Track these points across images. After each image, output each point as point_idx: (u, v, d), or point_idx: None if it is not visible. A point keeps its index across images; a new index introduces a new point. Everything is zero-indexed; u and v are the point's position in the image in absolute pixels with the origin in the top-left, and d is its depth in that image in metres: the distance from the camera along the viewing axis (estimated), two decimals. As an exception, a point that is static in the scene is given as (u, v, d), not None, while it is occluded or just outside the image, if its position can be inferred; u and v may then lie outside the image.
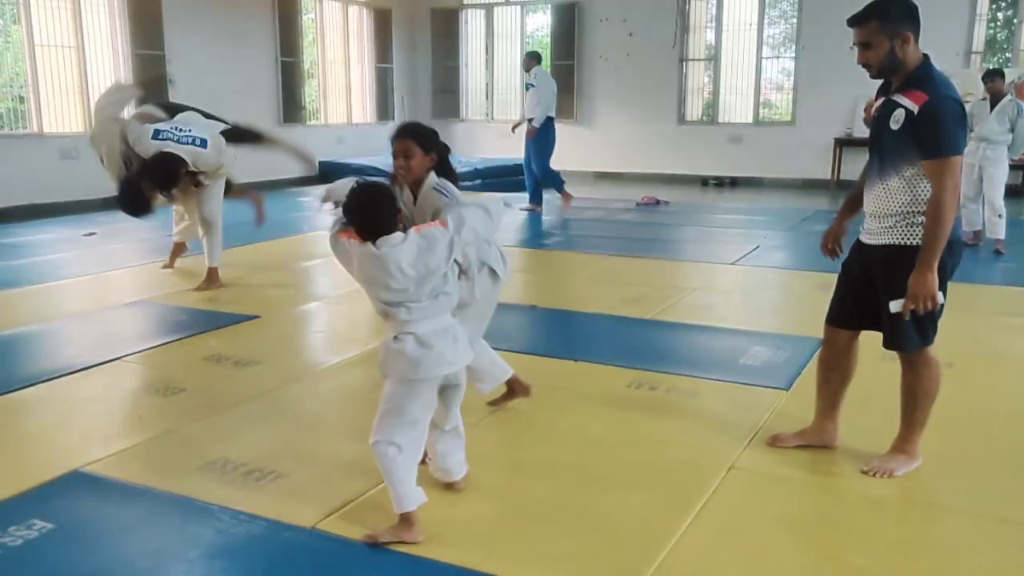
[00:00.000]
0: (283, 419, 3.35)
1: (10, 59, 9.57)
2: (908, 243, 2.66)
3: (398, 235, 2.29)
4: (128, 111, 5.84)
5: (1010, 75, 9.20)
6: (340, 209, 2.40)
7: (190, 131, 5.29)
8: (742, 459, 2.94)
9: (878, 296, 2.76)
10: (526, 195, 9.55)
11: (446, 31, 14.12)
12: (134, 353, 4.18)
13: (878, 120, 2.75)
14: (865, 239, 2.82)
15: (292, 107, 12.03)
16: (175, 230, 6.11)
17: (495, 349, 4.22)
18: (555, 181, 9.43)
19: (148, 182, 5.16)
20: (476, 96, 14.43)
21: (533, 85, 9.32)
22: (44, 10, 9.05)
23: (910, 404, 2.82)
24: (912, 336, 2.72)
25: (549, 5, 13.49)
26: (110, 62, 9.73)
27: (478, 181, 11.20)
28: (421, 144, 2.63)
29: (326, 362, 4.09)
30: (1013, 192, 8.08)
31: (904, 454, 2.85)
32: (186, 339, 4.41)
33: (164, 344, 4.33)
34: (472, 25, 14.15)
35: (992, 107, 6.85)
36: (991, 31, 11.69)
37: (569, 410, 3.43)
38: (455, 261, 2.40)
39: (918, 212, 2.65)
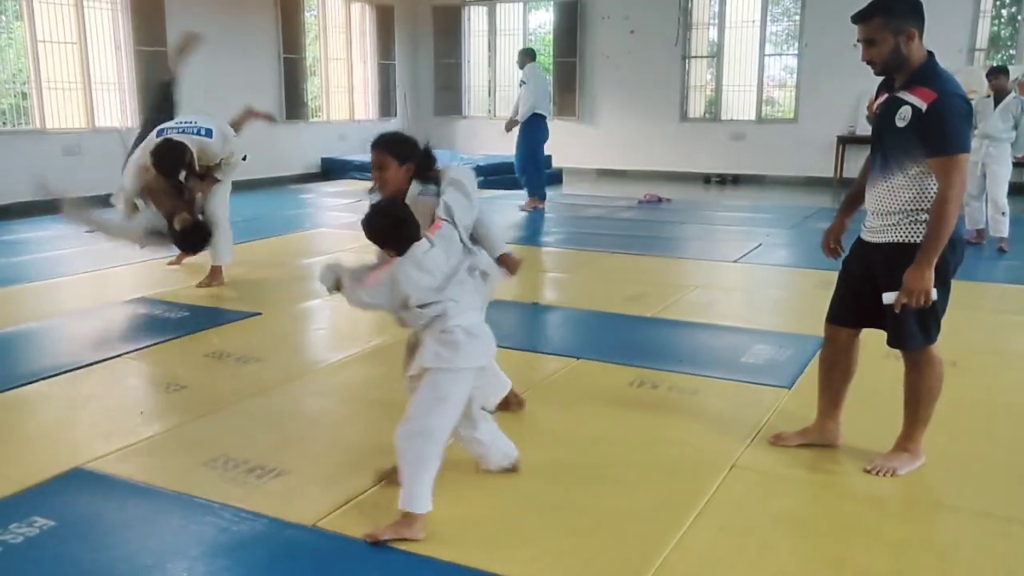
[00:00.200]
0: (284, 416, 3.35)
1: (12, 55, 9.57)
2: (912, 241, 2.65)
3: (423, 242, 2.40)
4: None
5: (1014, 72, 9.15)
6: (345, 268, 2.47)
7: (194, 122, 5.32)
8: (744, 457, 2.94)
9: (880, 294, 2.75)
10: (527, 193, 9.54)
11: (448, 28, 14.10)
12: (136, 350, 4.18)
13: (881, 117, 2.73)
14: (867, 237, 2.81)
15: (294, 103, 12.03)
16: None
17: (499, 346, 4.22)
18: (531, 182, 9.32)
19: (156, 169, 5.13)
20: (478, 93, 14.41)
21: (525, 82, 9.32)
22: (46, 6, 9.04)
23: (913, 402, 2.81)
24: (915, 334, 2.71)
25: (551, 2, 13.47)
26: (112, 58, 9.73)
27: (481, 178, 11.12)
28: (395, 155, 2.57)
29: (327, 360, 4.09)
30: (1017, 190, 8.05)
31: (907, 452, 2.84)
32: (188, 336, 4.41)
33: (166, 341, 4.33)
34: (474, 22, 14.14)
35: (996, 104, 6.83)
36: (995, 28, 11.66)
37: (570, 408, 3.43)
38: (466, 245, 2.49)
39: (922, 210, 2.64)
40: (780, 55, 12.94)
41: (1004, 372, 3.92)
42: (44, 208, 8.81)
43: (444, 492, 2.64)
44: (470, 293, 2.53)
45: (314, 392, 3.69)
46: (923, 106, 2.56)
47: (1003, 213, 6.86)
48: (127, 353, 4.13)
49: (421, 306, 2.43)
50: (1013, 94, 6.90)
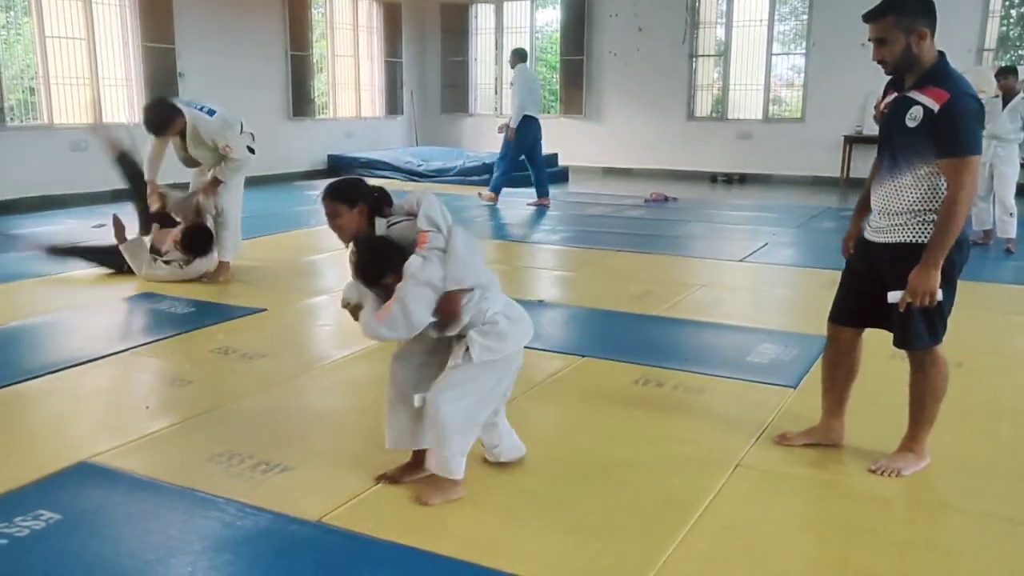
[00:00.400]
0: (290, 412, 3.35)
1: (21, 51, 9.60)
2: (919, 241, 2.63)
3: (415, 259, 2.43)
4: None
5: (1023, 72, 9.12)
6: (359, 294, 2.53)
7: (203, 104, 5.46)
8: (749, 457, 2.93)
9: (885, 294, 2.74)
10: (533, 190, 9.55)
11: (456, 25, 14.10)
12: (142, 345, 4.19)
13: (890, 116, 2.72)
14: (872, 237, 2.80)
15: (301, 101, 12.04)
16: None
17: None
18: (497, 180, 9.44)
19: (145, 122, 5.40)
20: (485, 91, 14.41)
21: (512, 84, 9.38)
22: (54, 2, 9.08)
23: (918, 403, 2.81)
24: (922, 334, 2.70)
25: (559, 0, 13.45)
26: (120, 55, 9.75)
27: (487, 176, 11.18)
28: (344, 201, 2.56)
29: (333, 356, 4.09)
30: (1024, 191, 8.03)
31: (912, 453, 2.83)
32: (194, 331, 4.42)
33: (172, 336, 4.34)
34: (482, 19, 14.14)
35: (1005, 105, 6.80)
36: (1004, 28, 11.61)
37: (575, 406, 3.43)
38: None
39: (929, 210, 2.62)
40: (787, 54, 12.91)
41: (1010, 373, 3.91)
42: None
43: (448, 489, 2.65)
44: (496, 281, 2.61)
45: (319, 388, 3.69)
46: (935, 107, 2.54)
47: (1011, 214, 6.84)
48: (133, 348, 4.14)
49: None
50: (1022, 95, 6.87)
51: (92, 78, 9.47)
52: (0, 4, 9.20)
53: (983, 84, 7.14)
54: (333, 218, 2.57)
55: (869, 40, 2.67)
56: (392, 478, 2.69)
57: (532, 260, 6.51)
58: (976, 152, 2.55)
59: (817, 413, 3.06)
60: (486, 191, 9.58)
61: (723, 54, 12.75)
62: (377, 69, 13.50)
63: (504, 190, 9.68)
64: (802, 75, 12.25)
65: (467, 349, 2.50)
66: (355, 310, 2.54)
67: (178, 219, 5.64)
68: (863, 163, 11.38)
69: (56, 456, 2.88)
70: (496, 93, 14.36)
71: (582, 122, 13.46)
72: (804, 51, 12.17)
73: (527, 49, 13.78)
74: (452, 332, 2.53)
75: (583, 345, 4.26)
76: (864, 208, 2.90)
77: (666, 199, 9.90)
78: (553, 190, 11.10)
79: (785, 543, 2.40)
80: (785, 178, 12.25)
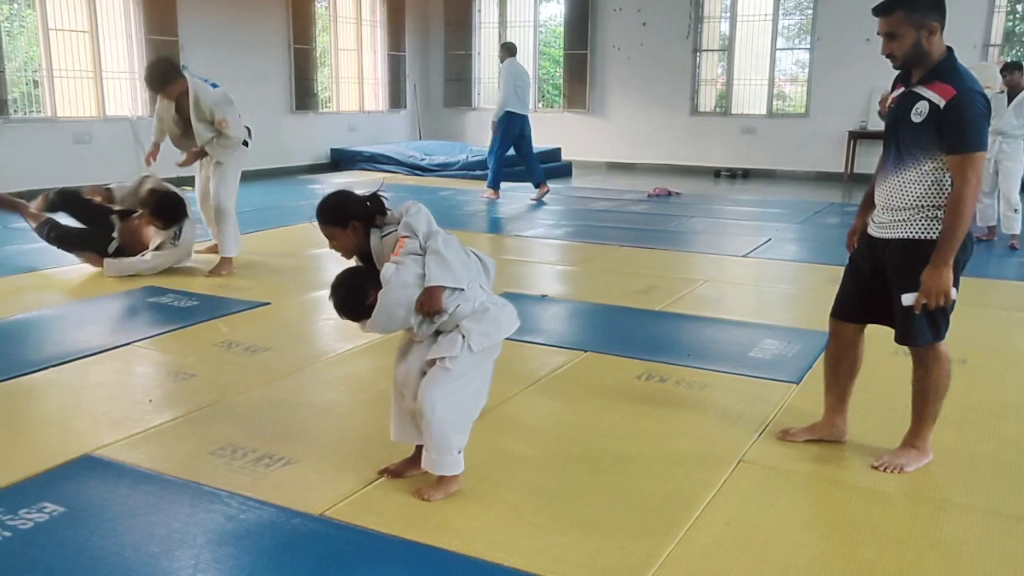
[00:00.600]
0: (293, 406, 3.36)
1: (24, 43, 9.60)
2: (924, 237, 2.63)
3: (388, 266, 2.47)
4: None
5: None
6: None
7: (207, 79, 5.53)
8: (751, 452, 2.93)
9: (889, 291, 2.74)
10: (530, 184, 9.59)
11: (459, 19, 14.07)
12: (145, 338, 4.20)
13: (896, 111, 2.71)
14: (875, 232, 2.79)
15: (304, 94, 12.03)
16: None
17: (507, 339, 4.22)
18: (492, 176, 9.52)
19: (146, 80, 5.51)
20: (488, 85, 14.37)
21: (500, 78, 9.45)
22: (58, -6, 9.07)
23: (921, 399, 2.80)
24: (924, 331, 2.70)
25: (563, -6, 13.43)
26: (124, 47, 9.75)
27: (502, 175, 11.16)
28: (336, 223, 2.57)
29: (336, 350, 4.09)
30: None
31: (915, 449, 2.83)
32: (197, 325, 4.43)
33: (175, 330, 4.35)
34: (485, 13, 14.11)
35: (1010, 101, 6.78)
36: (1009, 23, 11.56)
37: (578, 401, 3.43)
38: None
39: (933, 206, 2.62)
40: (792, 49, 12.88)
41: (1013, 370, 3.90)
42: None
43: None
44: (478, 274, 2.61)
45: (322, 382, 3.70)
46: (941, 102, 2.53)
47: (1015, 210, 6.82)
48: (137, 341, 4.15)
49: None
50: (1027, 90, 6.85)
51: (95, 71, 9.47)
52: (4, -4, 9.20)
53: (988, 80, 7.13)
54: (330, 240, 2.60)
55: (878, 34, 2.65)
56: (395, 472, 2.70)
57: (535, 255, 6.51)
58: (982, 149, 2.55)
59: (819, 409, 3.06)
60: (487, 190, 9.58)
61: (727, 49, 12.72)
62: (380, 63, 13.49)
63: (505, 184, 9.70)
64: (806, 70, 12.23)
65: (463, 339, 2.49)
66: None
67: (128, 208, 5.59)
68: (867, 159, 11.36)
69: (60, 449, 2.89)
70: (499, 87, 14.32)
71: (585, 116, 13.44)
72: (808, 46, 12.14)
73: (532, 43, 13.86)
74: (437, 324, 2.51)
75: (586, 340, 4.26)
76: (869, 203, 2.89)
77: (669, 194, 9.89)
78: (556, 185, 11.11)
79: (787, 539, 2.40)
80: (789, 173, 12.23)
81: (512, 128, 9.41)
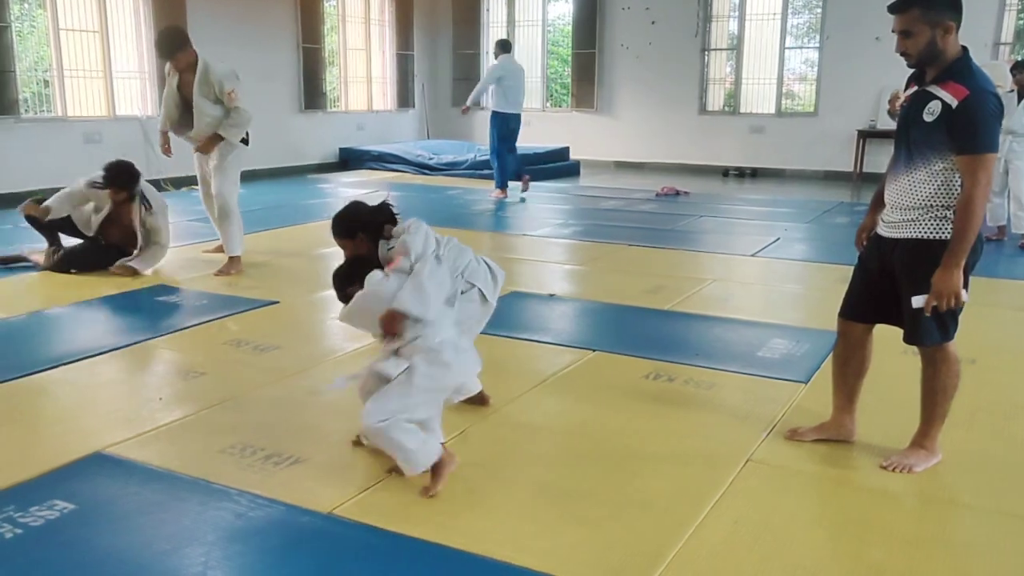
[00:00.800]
0: (302, 404, 3.37)
1: (34, 43, 9.65)
2: (934, 237, 2.62)
3: (376, 273, 2.60)
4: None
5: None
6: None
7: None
8: (759, 452, 2.93)
9: (897, 291, 2.73)
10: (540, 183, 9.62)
11: (467, 18, 14.08)
12: (154, 337, 4.22)
13: (908, 110, 2.69)
14: (885, 232, 2.78)
15: (313, 94, 12.06)
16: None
17: (513, 337, 4.23)
18: (498, 176, 9.60)
19: (157, 45, 5.54)
20: (497, 84, 14.39)
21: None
22: (68, -5, 9.12)
23: (930, 399, 2.80)
24: (932, 331, 2.69)
25: (571, -7, 13.43)
26: (134, 47, 9.79)
27: (513, 170, 11.18)
28: (345, 235, 2.78)
29: (344, 348, 4.10)
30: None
31: (924, 450, 2.82)
32: (206, 324, 4.44)
33: (185, 328, 4.37)
34: (494, 12, 14.11)
35: (1020, 100, 6.75)
36: (1020, 22, 11.48)
37: (586, 400, 3.43)
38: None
39: (943, 206, 2.61)
40: (801, 48, 12.83)
41: (1023, 370, 3.88)
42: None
43: (459, 483, 2.66)
44: (451, 315, 2.65)
45: (331, 380, 3.70)
46: (954, 102, 2.51)
47: (1025, 210, 6.79)
48: (146, 340, 4.17)
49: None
50: (1038, 89, 6.81)
51: (105, 71, 9.51)
52: (15, -3, 9.25)
53: (999, 79, 7.08)
54: (344, 249, 2.81)
55: (893, 31, 2.63)
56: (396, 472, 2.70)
57: (543, 254, 6.51)
58: (993, 150, 2.53)
59: (828, 409, 3.06)
60: (495, 190, 9.60)
61: (736, 48, 12.69)
62: (389, 62, 13.51)
63: (514, 184, 9.72)
64: (815, 69, 12.19)
65: (408, 373, 2.53)
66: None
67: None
68: (876, 158, 11.33)
69: (71, 446, 2.90)
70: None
71: (594, 116, 13.44)
72: (817, 45, 12.09)
73: (540, 42, 13.86)
74: (394, 346, 2.58)
75: (594, 339, 4.26)
76: (880, 202, 2.87)
77: (677, 193, 9.88)
78: (564, 184, 11.13)
79: (796, 538, 2.40)
80: (798, 173, 12.20)
81: (504, 128, 9.49)
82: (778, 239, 7.04)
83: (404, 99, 13.80)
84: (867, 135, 11.50)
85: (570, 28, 13.79)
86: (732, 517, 2.49)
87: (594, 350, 4.03)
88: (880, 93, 11.26)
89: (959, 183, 2.57)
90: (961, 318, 2.73)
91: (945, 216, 2.61)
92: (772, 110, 12.49)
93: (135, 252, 5.54)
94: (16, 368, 3.68)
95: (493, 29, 14.14)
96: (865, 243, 2.97)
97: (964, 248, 2.55)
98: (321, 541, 2.36)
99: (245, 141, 5.62)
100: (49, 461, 2.78)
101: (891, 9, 2.62)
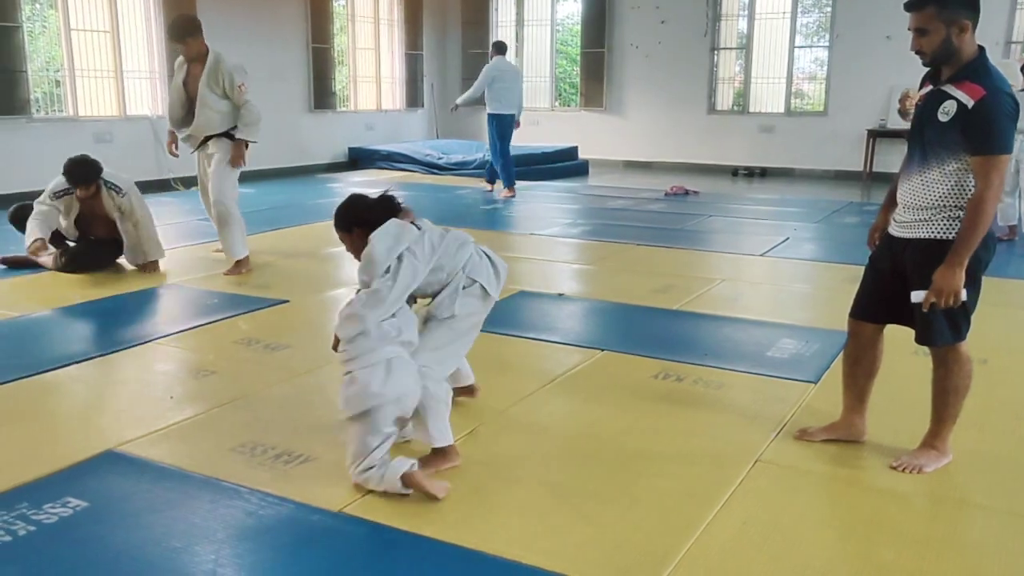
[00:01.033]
0: (312, 403, 3.38)
1: (45, 43, 9.70)
2: (945, 237, 2.61)
3: (362, 295, 2.67)
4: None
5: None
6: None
7: None
8: (769, 452, 2.93)
9: (909, 291, 2.72)
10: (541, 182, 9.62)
11: (477, 18, 14.09)
12: (166, 335, 4.24)
13: (923, 110, 2.67)
14: (896, 232, 2.77)
15: (323, 93, 12.09)
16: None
17: (522, 337, 4.23)
18: (505, 175, 9.65)
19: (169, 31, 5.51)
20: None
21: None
22: (80, -5, 9.16)
23: (941, 399, 2.79)
24: (944, 331, 2.68)
25: (580, -8, 13.41)
26: (144, 47, 9.83)
27: (515, 170, 11.18)
28: (342, 227, 2.80)
29: (354, 347, 4.11)
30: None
31: (935, 450, 2.81)
32: (217, 323, 4.46)
33: (195, 327, 4.39)
34: (503, 12, 14.11)
35: (1031, 99, 6.70)
36: (1032, 20, 11.42)
37: (594, 400, 3.43)
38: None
39: (956, 206, 2.59)
40: (810, 47, 12.80)
41: (1035, 370, 3.87)
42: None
43: (468, 482, 2.67)
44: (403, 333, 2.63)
45: (341, 379, 3.71)
46: (969, 102, 2.50)
47: (1037, 209, 6.75)
48: (157, 338, 4.19)
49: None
50: (1050, 88, 6.77)
51: (116, 71, 9.56)
52: (26, -3, 9.31)
53: (1010, 77, 7.04)
54: (343, 242, 2.82)
55: (908, 29, 2.62)
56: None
57: (552, 253, 6.52)
58: (1008, 152, 2.52)
59: (838, 409, 3.05)
60: (502, 189, 9.64)
61: (745, 47, 12.66)
62: (398, 62, 13.53)
63: (523, 184, 9.74)
64: (825, 68, 12.14)
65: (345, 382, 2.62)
66: None
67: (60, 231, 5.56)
68: (886, 157, 11.28)
69: (83, 444, 2.92)
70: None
71: (603, 115, 13.43)
72: (827, 44, 12.05)
73: (550, 41, 13.86)
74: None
75: (603, 339, 4.26)
76: (892, 201, 2.85)
77: (687, 193, 9.86)
78: (573, 183, 11.13)
79: (805, 538, 2.40)
80: (807, 172, 12.16)
81: (503, 128, 9.55)
82: (787, 239, 7.03)
83: (413, 99, 13.81)
84: (877, 135, 11.46)
85: (579, 27, 13.78)
86: (741, 517, 2.49)
87: (603, 350, 4.03)
88: (890, 92, 11.22)
89: (972, 183, 2.56)
90: (973, 318, 2.72)
91: (958, 216, 2.59)
92: (781, 109, 12.46)
93: (125, 241, 5.54)
94: (28, 366, 3.70)
95: (502, 29, 14.14)
96: (878, 243, 2.96)
97: (969, 248, 2.54)
98: (331, 539, 2.37)
99: (247, 143, 5.52)
100: (62, 459, 2.80)
101: (907, 7, 2.61)
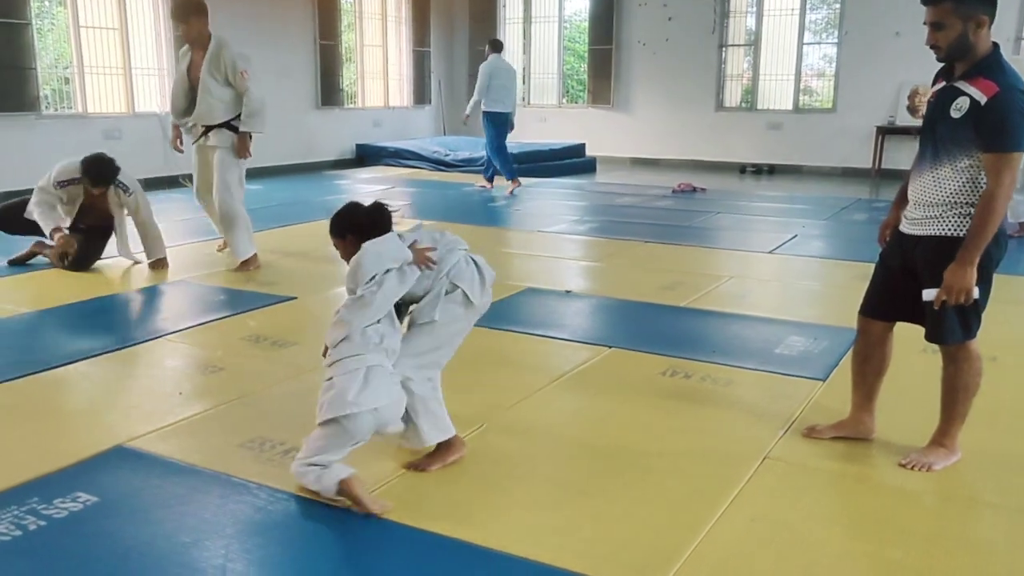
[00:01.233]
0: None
1: (53, 40, 9.74)
2: (956, 235, 2.59)
3: (346, 302, 2.67)
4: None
5: (1061, 63, 8.94)
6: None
7: None
8: (777, 449, 2.92)
9: (920, 289, 2.71)
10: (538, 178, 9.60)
11: (484, 14, 14.08)
12: (175, 332, 4.26)
13: (935, 106, 2.65)
14: (907, 229, 2.76)
15: (330, 90, 12.10)
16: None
17: (529, 334, 4.24)
18: (506, 170, 9.72)
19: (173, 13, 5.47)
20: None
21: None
22: (89, -8, 9.19)
23: (950, 397, 2.78)
24: (955, 329, 2.67)
25: (588, -11, 13.39)
26: (153, 44, 9.86)
27: (516, 165, 11.18)
28: (333, 234, 2.78)
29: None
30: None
31: (943, 448, 2.80)
32: (225, 319, 4.48)
33: (204, 324, 4.40)
34: (510, 8, 14.10)
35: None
36: (1043, 17, 11.36)
37: (602, 397, 3.43)
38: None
39: (968, 203, 2.58)
40: (819, 44, 12.75)
41: (1045, 368, 3.85)
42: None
43: (476, 478, 2.68)
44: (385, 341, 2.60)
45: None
46: (982, 99, 2.48)
47: (1048, 206, 6.71)
48: (165, 335, 4.21)
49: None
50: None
51: (125, 67, 9.59)
52: (36, -6, 9.34)
53: (1022, 74, 7.00)
54: (336, 247, 2.80)
55: (924, 23, 2.60)
56: (420, 466, 2.72)
57: (559, 251, 6.51)
58: (1020, 149, 2.50)
59: (846, 406, 3.05)
60: (508, 184, 9.70)
61: (753, 43, 12.63)
62: (405, 59, 13.53)
63: (527, 181, 9.77)
64: (834, 64, 12.10)
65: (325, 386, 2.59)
66: None
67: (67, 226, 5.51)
68: (895, 154, 11.24)
69: (93, 440, 2.94)
70: (524, 83, 14.32)
71: (610, 112, 13.41)
72: (836, 40, 12.01)
73: (557, 38, 13.85)
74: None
75: (610, 336, 4.26)
76: (903, 199, 2.84)
77: (694, 190, 9.85)
78: (580, 180, 11.12)
79: (813, 536, 2.39)
80: (815, 169, 12.13)
81: (499, 125, 9.61)
82: (795, 236, 7.01)
83: (420, 96, 13.82)
84: (886, 131, 11.41)
85: (587, 24, 13.76)
86: (749, 515, 2.49)
87: (610, 347, 4.03)
88: (899, 89, 11.18)
89: (984, 180, 2.54)
90: (983, 316, 2.71)
91: (969, 214, 2.58)
92: (790, 106, 12.42)
93: (117, 232, 5.53)
94: (38, 362, 3.72)
95: (510, 25, 14.13)
96: (889, 239, 2.94)
97: (980, 246, 2.53)
98: (340, 535, 2.38)
99: (250, 136, 5.43)
100: (72, 454, 2.82)
101: (924, 0, 2.59)
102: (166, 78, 9.86)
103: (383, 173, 11.54)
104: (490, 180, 9.91)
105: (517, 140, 12.93)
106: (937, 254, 2.63)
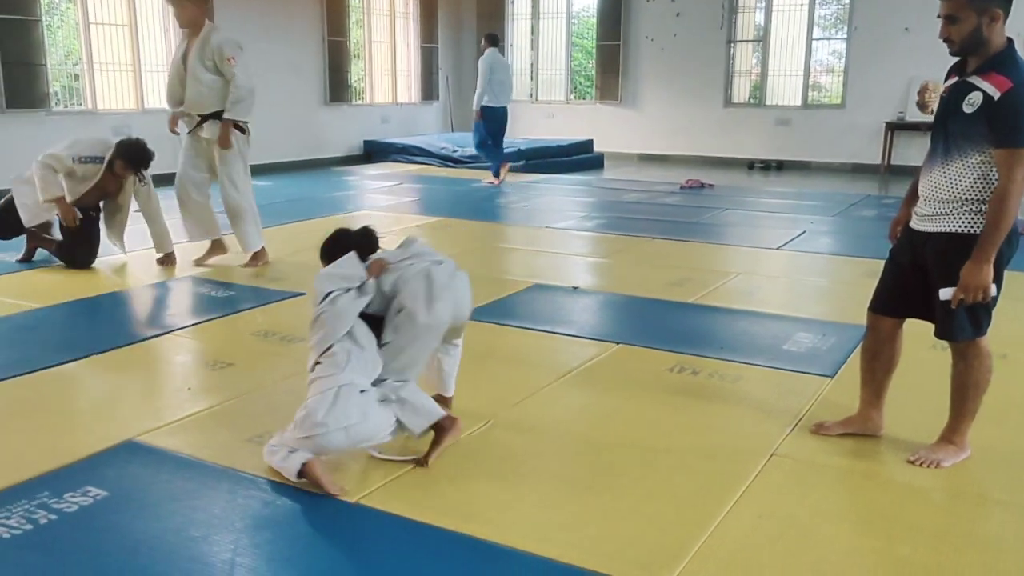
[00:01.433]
0: (328, 395, 3.39)
1: (64, 37, 9.77)
2: (966, 231, 2.58)
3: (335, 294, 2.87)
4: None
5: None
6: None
7: None
8: (784, 446, 2.92)
9: (929, 285, 2.70)
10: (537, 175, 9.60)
11: (492, 11, 14.06)
12: (184, 327, 4.27)
13: (948, 101, 2.63)
14: (917, 225, 2.75)
15: (338, 86, 12.12)
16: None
17: (536, 330, 4.24)
18: (493, 158, 9.88)
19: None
20: (521, 76, 14.35)
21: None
22: (98, -11, 9.22)
23: (960, 394, 2.77)
24: (965, 326, 2.66)
25: (596, -16, 13.36)
26: (162, 40, 9.89)
27: (521, 162, 11.19)
28: (323, 257, 3.02)
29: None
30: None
31: (953, 445, 2.80)
32: (234, 315, 4.49)
33: (212, 319, 4.42)
34: (518, 4, 14.09)
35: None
36: (1054, 12, 11.29)
37: (610, 393, 3.43)
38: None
39: (979, 200, 2.57)
40: (828, 39, 12.69)
41: (1055, 365, 3.83)
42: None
43: (484, 474, 2.68)
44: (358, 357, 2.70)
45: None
46: (996, 94, 2.46)
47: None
48: (174, 331, 4.22)
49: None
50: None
51: (135, 64, 9.62)
52: (45, -9, 9.37)
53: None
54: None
55: (938, 16, 2.58)
56: (423, 461, 2.72)
57: (567, 246, 6.51)
58: None
59: (854, 402, 3.04)
60: (502, 174, 9.88)
61: (762, 39, 12.58)
62: (413, 55, 13.53)
63: (530, 177, 9.81)
64: (843, 60, 12.04)
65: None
66: None
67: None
68: (905, 151, 11.19)
69: (103, 435, 2.95)
70: (532, 79, 14.33)
71: (618, 108, 13.39)
72: (845, 36, 11.95)
73: (565, 34, 13.83)
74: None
75: (618, 332, 4.26)
76: (914, 195, 2.82)
77: (702, 186, 9.82)
78: (588, 176, 11.12)
79: (821, 532, 2.39)
80: (824, 165, 12.09)
81: (494, 122, 9.65)
82: (804, 232, 6.99)
83: (428, 92, 13.82)
84: (895, 127, 11.36)
85: (594, 20, 13.74)
86: (756, 511, 2.48)
87: (618, 343, 4.02)
88: (909, 84, 11.13)
89: (996, 177, 2.53)
90: (993, 313, 2.70)
91: (980, 210, 2.57)
92: (798, 102, 12.37)
93: (104, 217, 5.50)
94: (47, 358, 3.74)
95: (518, 21, 14.12)
96: (898, 235, 2.93)
97: (994, 243, 2.51)
98: (348, 530, 2.39)
99: (241, 129, 5.33)
100: (82, 449, 2.83)
101: None
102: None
103: (391, 169, 11.54)
104: (496, 175, 9.93)
105: (525, 136, 12.97)
106: (948, 250, 2.62)
